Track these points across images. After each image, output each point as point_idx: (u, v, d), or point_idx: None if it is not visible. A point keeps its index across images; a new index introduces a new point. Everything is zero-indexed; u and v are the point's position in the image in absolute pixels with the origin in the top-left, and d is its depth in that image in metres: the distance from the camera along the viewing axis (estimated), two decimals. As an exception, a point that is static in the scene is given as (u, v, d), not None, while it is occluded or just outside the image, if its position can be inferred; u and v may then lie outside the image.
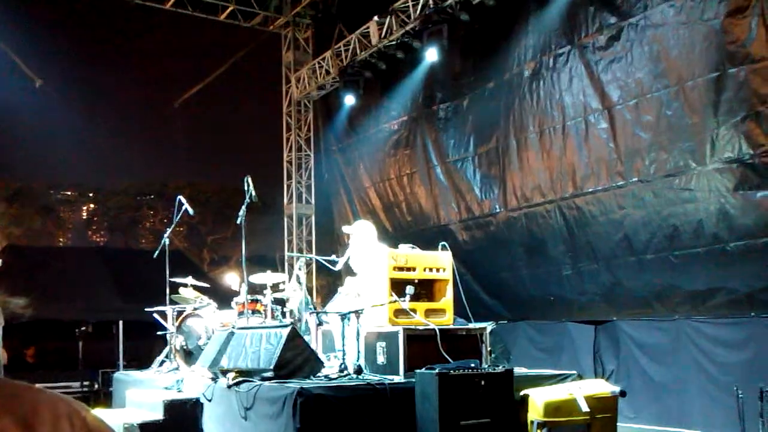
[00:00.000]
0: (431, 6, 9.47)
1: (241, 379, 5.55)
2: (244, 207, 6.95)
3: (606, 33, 7.75)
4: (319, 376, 5.63)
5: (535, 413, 4.87)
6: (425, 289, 6.29)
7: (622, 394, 5.20)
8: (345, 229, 7.63)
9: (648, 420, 7.24)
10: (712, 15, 6.76)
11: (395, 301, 5.87)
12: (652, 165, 7.42)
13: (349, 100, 11.67)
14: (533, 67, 8.71)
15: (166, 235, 7.85)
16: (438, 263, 6.31)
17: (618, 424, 5.20)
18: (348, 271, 7.45)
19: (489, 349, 6.25)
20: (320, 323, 6.91)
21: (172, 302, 7.78)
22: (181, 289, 8.00)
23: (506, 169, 9.22)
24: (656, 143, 7.37)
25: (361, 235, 6.95)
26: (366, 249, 6.76)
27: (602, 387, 5.27)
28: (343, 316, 5.94)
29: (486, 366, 5.63)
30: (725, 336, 7.03)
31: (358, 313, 5.94)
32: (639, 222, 7.63)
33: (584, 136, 8.10)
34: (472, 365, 5.26)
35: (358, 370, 5.70)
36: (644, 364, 7.76)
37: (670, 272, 7.40)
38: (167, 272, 7.65)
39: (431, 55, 9.79)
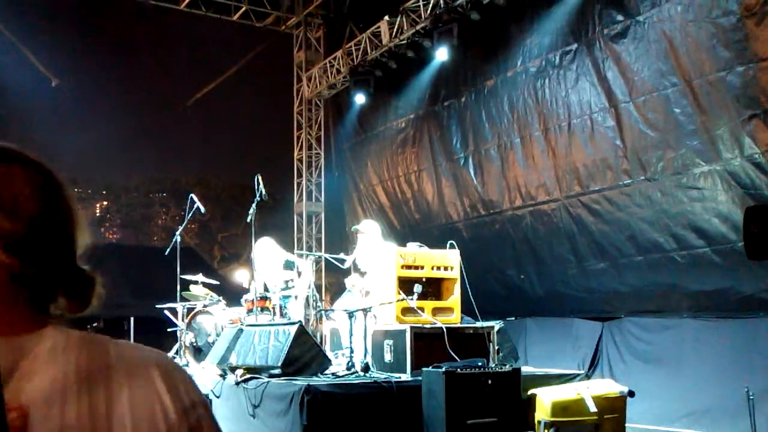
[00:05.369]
0: (442, 5, 9.48)
1: (249, 376, 5.62)
2: (254, 205, 7.03)
3: (613, 31, 7.74)
4: (326, 374, 5.69)
5: (542, 413, 4.88)
6: (433, 288, 6.33)
7: (631, 394, 5.18)
8: (353, 228, 7.72)
9: (655, 420, 7.23)
10: (721, 13, 6.73)
11: (403, 300, 5.92)
12: (659, 163, 7.40)
13: (360, 98, 11.70)
14: (538, 65, 8.71)
15: (177, 233, 7.94)
16: (446, 262, 6.35)
17: (627, 424, 5.20)
18: (356, 268, 7.51)
19: (497, 348, 6.27)
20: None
21: (183, 299, 7.87)
22: (192, 286, 8.09)
23: (511, 167, 9.23)
24: (663, 141, 7.35)
25: (368, 234, 7.02)
26: (373, 247, 6.83)
27: (610, 387, 5.27)
28: (351, 314, 6.00)
29: (493, 365, 5.66)
30: (733, 336, 7.01)
31: (365, 311, 5.99)
32: (646, 221, 7.62)
33: (590, 134, 8.09)
34: (479, 364, 5.30)
35: (365, 368, 5.76)
36: (651, 364, 7.75)
37: (677, 272, 7.38)
38: (178, 269, 7.75)
39: (441, 54, 9.80)
